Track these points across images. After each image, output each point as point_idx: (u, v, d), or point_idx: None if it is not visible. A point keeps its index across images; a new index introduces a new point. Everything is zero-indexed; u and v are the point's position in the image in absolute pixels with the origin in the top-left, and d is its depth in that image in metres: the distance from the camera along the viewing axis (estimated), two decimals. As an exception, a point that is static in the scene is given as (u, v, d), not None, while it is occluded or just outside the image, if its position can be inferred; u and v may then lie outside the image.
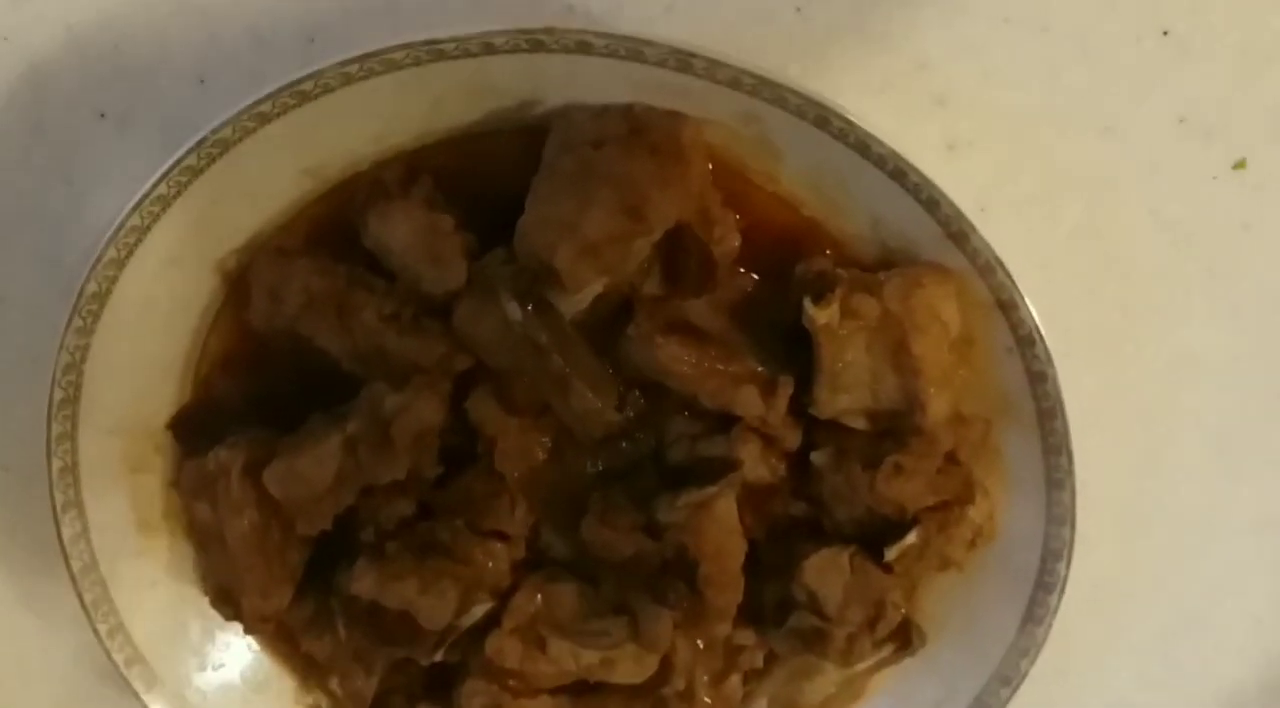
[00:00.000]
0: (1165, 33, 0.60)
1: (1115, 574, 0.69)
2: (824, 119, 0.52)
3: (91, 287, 0.55)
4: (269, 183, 0.57)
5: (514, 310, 0.55)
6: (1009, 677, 0.63)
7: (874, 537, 0.60)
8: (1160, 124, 0.61)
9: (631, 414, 0.59)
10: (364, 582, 0.59)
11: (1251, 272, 0.63)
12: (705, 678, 0.63)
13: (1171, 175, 0.62)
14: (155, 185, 0.53)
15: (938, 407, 0.55)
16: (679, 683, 0.62)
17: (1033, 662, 0.62)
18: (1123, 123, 0.61)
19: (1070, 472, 0.58)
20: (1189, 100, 0.61)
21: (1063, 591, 0.60)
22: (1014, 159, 0.61)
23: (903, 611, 0.59)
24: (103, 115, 0.60)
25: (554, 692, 0.64)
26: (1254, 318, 0.65)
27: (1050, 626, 0.61)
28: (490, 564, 0.60)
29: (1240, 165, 0.62)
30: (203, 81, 0.59)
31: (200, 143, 0.52)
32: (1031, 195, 0.62)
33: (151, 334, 0.60)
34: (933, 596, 0.65)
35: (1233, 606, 0.70)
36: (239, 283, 0.60)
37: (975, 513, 0.60)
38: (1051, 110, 0.61)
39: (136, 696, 0.64)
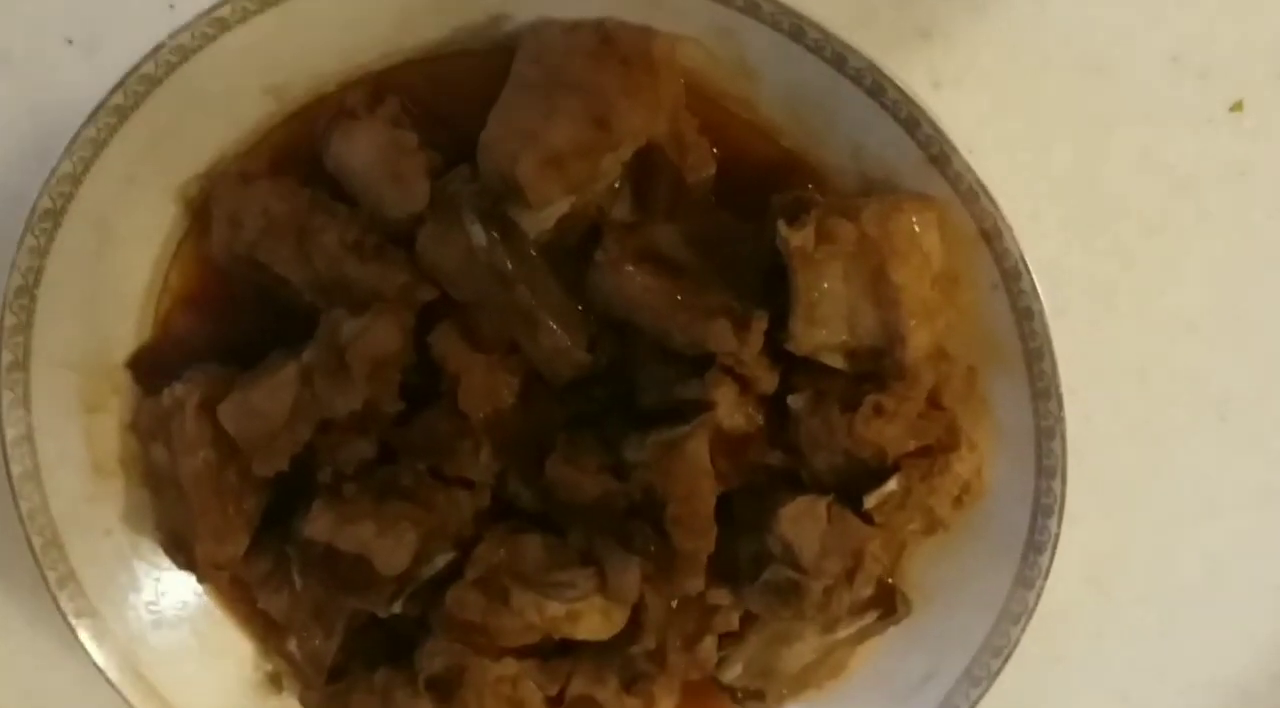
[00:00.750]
0: (1158, -36, 0.58)
1: (1110, 550, 0.66)
2: (799, 30, 0.50)
3: (45, 202, 0.54)
4: (231, 101, 0.55)
5: (478, 234, 0.53)
6: (1000, 647, 0.59)
7: (854, 486, 0.57)
8: (1153, 63, 0.59)
9: (604, 358, 0.57)
10: (319, 524, 0.57)
11: (1249, 220, 0.61)
12: (678, 641, 0.60)
13: (1165, 117, 0.60)
14: (111, 95, 0.52)
15: (918, 340, 0.53)
16: (649, 642, 0.59)
17: (1024, 629, 0.59)
18: (1114, 61, 0.59)
19: (1060, 418, 0.55)
20: (1183, 38, 0.59)
21: (1054, 549, 0.57)
22: (1002, 98, 0.60)
23: (884, 564, 0.56)
24: (70, 42, 0.59)
25: (520, 653, 0.61)
26: (1252, 271, 0.62)
27: (1042, 589, 0.58)
28: (454, 512, 0.58)
29: (1237, 107, 0.60)
30: (172, 6, 0.58)
31: (157, 49, 0.51)
32: (1020, 137, 0.60)
33: (110, 262, 0.58)
34: (919, 562, 0.62)
35: (1237, 583, 0.67)
36: (201, 213, 0.58)
37: (962, 468, 0.58)
38: (1041, 47, 0.59)
39: (85, 651, 0.61)
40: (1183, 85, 0.59)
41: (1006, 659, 0.59)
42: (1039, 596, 0.58)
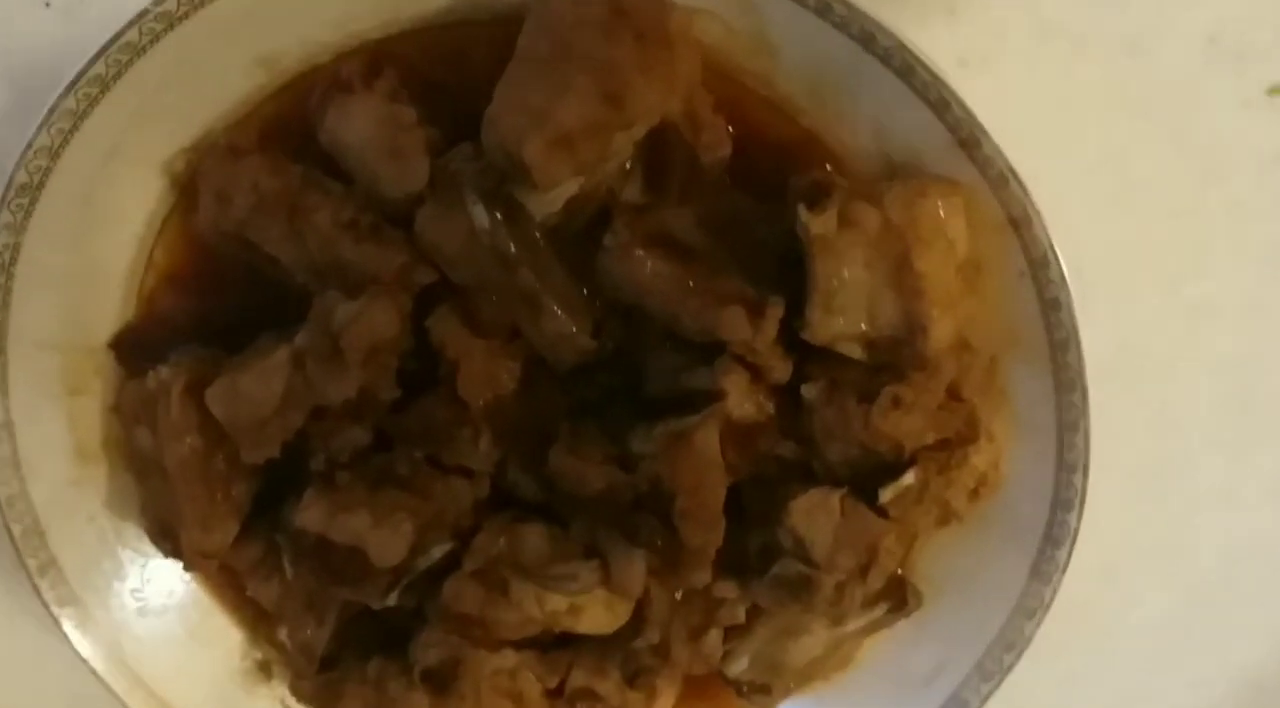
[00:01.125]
0: (1197, -59, 0.55)
1: (1126, 543, 0.64)
2: (826, 5, 0.47)
3: (21, 176, 0.51)
4: (219, 72, 0.52)
5: (480, 215, 0.50)
6: (1013, 641, 0.58)
7: (868, 479, 0.55)
8: (1190, 43, 0.57)
9: (610, 344, 0.55)
10: (311, 512, 0.55)
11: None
12: (682, 633, 0.58)
13: (1199, 100, 0.57)
14: (91, 63, 0.49)
15: (941, 331, 0.50)
16: (653, 636, 0.57)
17: (1039, 624, 0.57)
18: (1149, 40, 0.56)
19: (1085, 411, 0.53)
20: (1222, 18, 0.56)
21: (1073, 544, 0.55)
22: (1030, 78, 0.57)
23: (898, 558, 0.54)
24: (48, 4, 0.56)
25: (519, 645, 0.59)
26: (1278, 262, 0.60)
27: (1058, 585, 0.56)
28: (452, 501, 0.56)
29: (1275, 91, 0.57)
30: (156, -33, 0.55)
31: (141, 16, 0.48)
32: (1048, 119, 0.57)
33: (91, 239, 0.55)
34: (930, 553, 0.60)
35: (1253, 579, 0.65)
36: (188, 189, 0.56)
37: (979, 460, 0.56)
38: (1074, 27, 0.56)
39: (67, 640, 0.59)
40: (1220, 67, 0.57)
41: (1020, 654, 0.58)
42: (1055, 591, 0.57)
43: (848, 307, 0.51)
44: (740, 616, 0.58)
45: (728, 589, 0.58)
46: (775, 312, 0.52)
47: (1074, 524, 0.55)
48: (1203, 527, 0.64)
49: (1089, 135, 0.58)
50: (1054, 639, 0.59)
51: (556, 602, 0.56)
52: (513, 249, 0.51)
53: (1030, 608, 0.57)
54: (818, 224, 0.49)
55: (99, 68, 0.49)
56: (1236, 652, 0.66)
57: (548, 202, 0.50)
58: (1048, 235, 0.51)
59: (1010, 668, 0.58)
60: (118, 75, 0.50)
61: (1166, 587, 0.65)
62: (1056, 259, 0.51)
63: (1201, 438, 0.63)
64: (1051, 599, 0.57)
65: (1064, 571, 0.56)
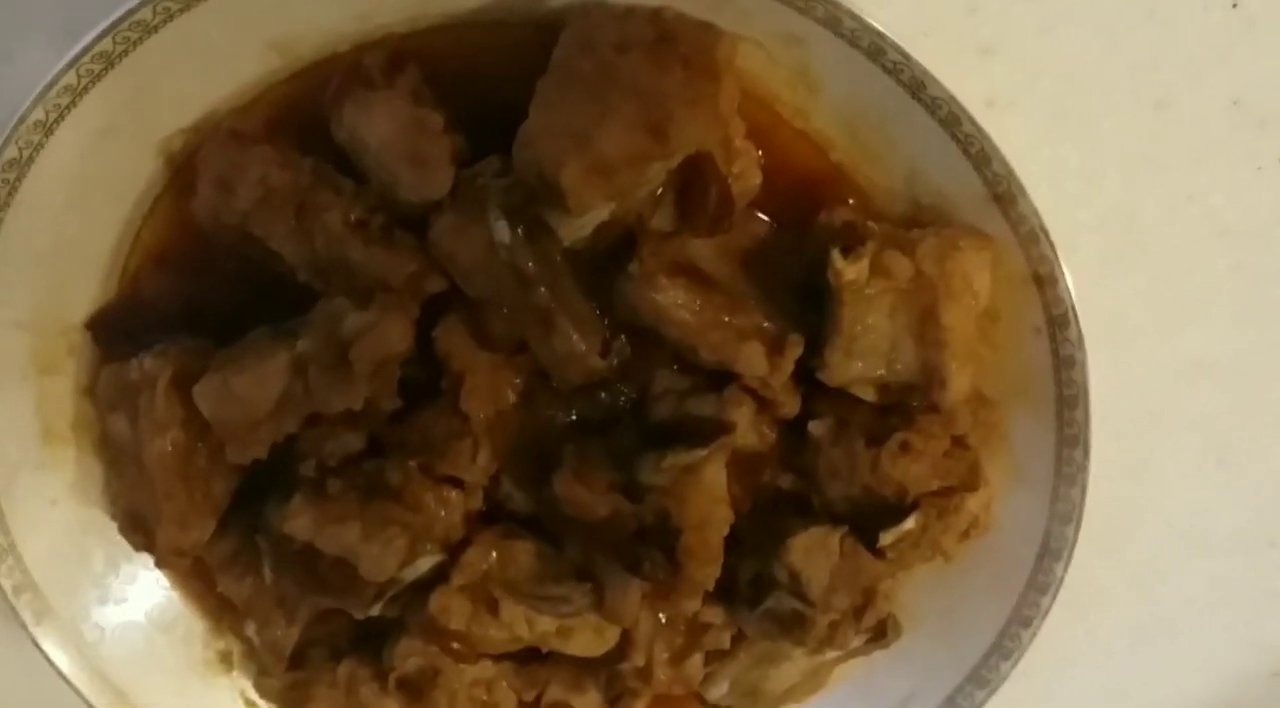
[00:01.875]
0: (1234, 4, 0.55)
1: (1095, 576, 0.66)
2: (878, 50, 0.46)
3: (10, 152, 0.48)
4: (231, 54, 0.49)
5: (502, 231, 0.48)
6: (986, 679, 0.59)
7: (866, 519, 0.55)
8: (1214, 104, 0.57)
9: (616, 362, 0.53)
10: (299, 521, 0.53)
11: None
12: (665, 655, 0.58)
13: (1218, 161, 0.58)
14: (98, 39, 0.45)
15: (958, 384, 0.50)
16: (638, 659, 0.57)
17: (1014, 665, 0.58)
18: (1176, 98, 0.57)
19: (1085, 467, 0.54)
20: (1247, 82, 0.56)
21: (1057, 592, 0.56)
22: (1056, 125, 0.57)
23: (893, 601, 0.55)
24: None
25: (497, 658, 0.58)
26: (1275, 326, 0.61)
27: (1038, 629, 0.57)
28: (443, 513, 0.54)
29: (1290, 158, 0.58)
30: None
31: (157, -6, 0.45)
32: (1069, 165, 0.57)
33: (77, 215, 0.52)
34: (913, 586, 0.60)
35: (1208, 620, 0.67)
36: (184, 168, 0.53)
37: (973, 502, 0.56)
38: (1104, 76, 0.56)
39: (24, 627, 0.56)
40: (1241, 130, 0.57)
41: (992, 693, 0.59)
42: (1034, 635, 0.58)
43: (868, 352, 0.51)
44: (725, 642, 0.58)
45: (714, 615, 0.58)
46: (794, 351, 0.51)
47: (1060, 574, 0.56)
48: (1169, 570, 0.66)
49: (1108, 184, 0.58)
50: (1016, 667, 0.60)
51: (546, 623, 0.55)
52: (531, 267, 0.49)
53: (1008, 649, 0.58)
54: (851, 271, 0.48)
55: (105, 44, 0.46)
56: (1186, 688, 0.69)
57: (578, 226, 0.48)
58: (1071, 296, 0.51)
59: (981, 704, 0.59)
60: (124, 53, 0.46)
61: (1127, 622, 0.67)
62: (1076, 319, 0.51)
63: (1178, 488, 0.65)
64: (1029, 642, 0.58)
65: (1045, 616, 0.57)
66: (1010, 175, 0.48)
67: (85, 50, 0.46)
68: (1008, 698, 0.64)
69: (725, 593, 0.57)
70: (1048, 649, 0.65)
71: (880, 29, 0.46)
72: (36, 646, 0.57)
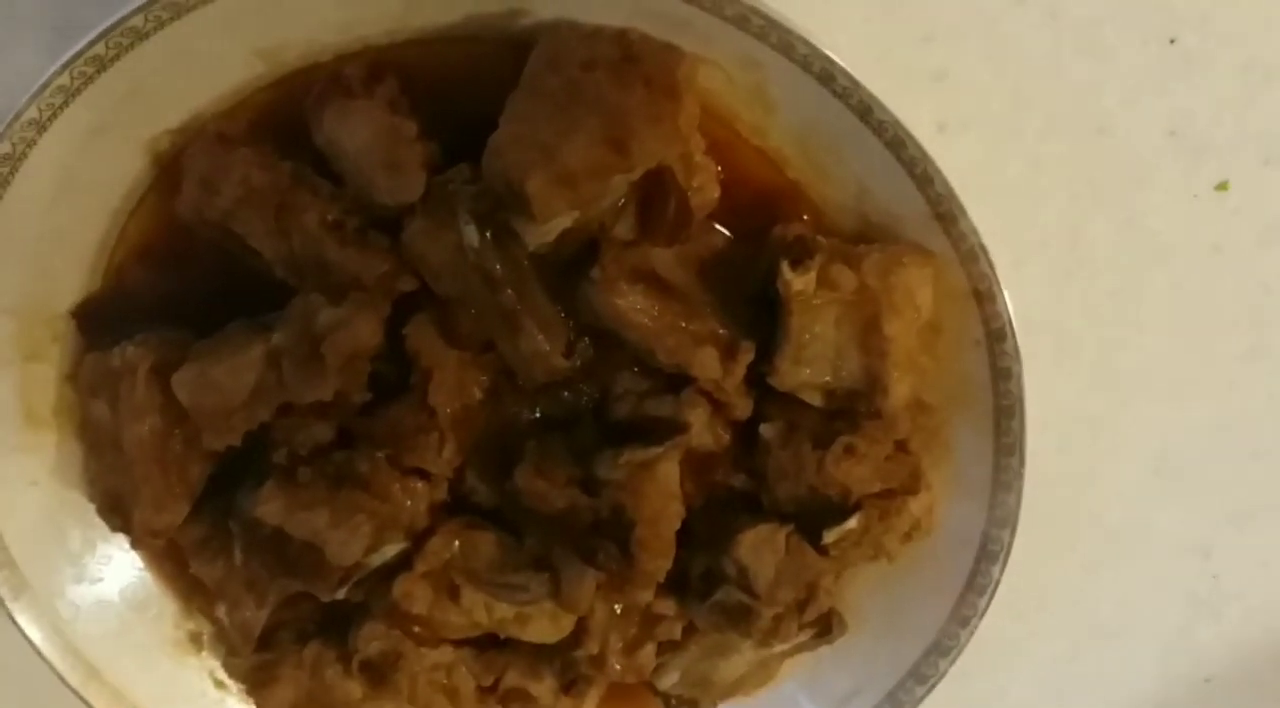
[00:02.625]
0: (1172, 40, 0.58)
1: (1033, 582, 0.68)
2: (829, 75, 0.49)
3: (4, 147, 0.50)
4: (218, 60, 0.52)
5: (471, 235, 0.51)
6: (926, 675, 0.61)
7: (812, 518, 0.57)
8: (1151, 133, 0.60)
9: (579, 363, 0.56)
10: (270, 506, 0.55)
11: (1217, 295, 0.63)
12: (619, 644, 0.60)
13: (1154, 187, 0.61)
14: (92, 44, 0.48)
15: (899, 391, 0.53)
16: (593, 647, 0.59)
17: (952, 663, 0.61)
18: (1115, 125, 0.60)
19: (1020, 474, 0.56)
20: (1183, 113, 0.60)
21: (993, 593, 0.59)
22: (1002, 147, 0.60)
23: (834, 596, 0.57)
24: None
25: (457, 643, 0.61)
26: (1211, 344, 0.64)
27: (975, 628, 0.60)
28: (408, 503, 0.57)
29: (1223, 186, 0.61)
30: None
31: (149, 3, 0.47)
32: (1014, 187, 0.60)
33: (65, 209, 0.54)
34: (858, 585, 0.63)
35: (1143, 626, 0.70)
36: (170, 167, 0.55)
37: (916, 506, 0.59)
38: (1048, 102, 0.59)
39: (0, 602, 0.58)
40: (1176, 159, 0.60)
41: (931, 688, 0.62)
42: (972, 633, 0.60)
43: (814, 359, 0.53)
44: (677, 633, 0.61)
45: (667, 607, 0.60)
46: (745, 357, 0.54)
47: (996, 576, 0.59)
48: (1104, 576, 0.69)
49: (1051, 205, 0.61)
50: (953, 668, 0.63)
51: (504, 610, 0.57)
52: (499, 269, 0.52)
53: (946, 647, 0.61)
54: (799, 282, 0.51)
55: (99, 48, 0.48)
56: (1120, 692, 0.71)
57: (542, 232, 0.51)
58: (1008, 311, 0.53)
59: (921, 699, 0.62)
60: (116, 57, 0.49)
61: (1064, 627, 0.70)
62: (1013, 333, 0.54)
63: (1117, 496, 0.68)
64: (967, 641, 0.60)
65: (982, 616, 0.60)
66: (951, 196, 0.51)
67: (79, 54, 0.48)
68: (953, 699, 0.67)
69: (677, 586, 0.60)
70: (990, 651, 0.69)
71: (830, 55, 0.49)
72: (12, 620, 0.59)
